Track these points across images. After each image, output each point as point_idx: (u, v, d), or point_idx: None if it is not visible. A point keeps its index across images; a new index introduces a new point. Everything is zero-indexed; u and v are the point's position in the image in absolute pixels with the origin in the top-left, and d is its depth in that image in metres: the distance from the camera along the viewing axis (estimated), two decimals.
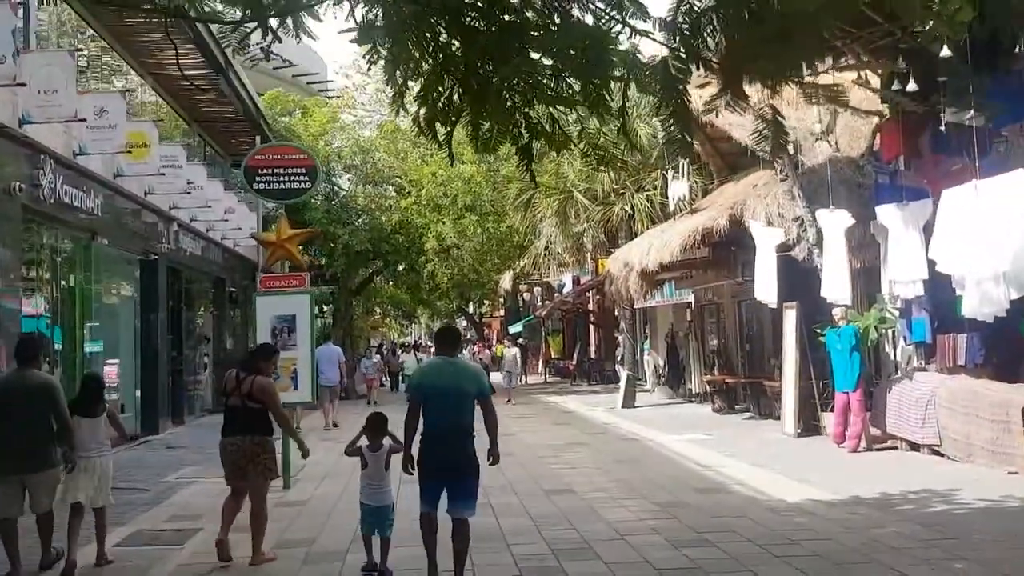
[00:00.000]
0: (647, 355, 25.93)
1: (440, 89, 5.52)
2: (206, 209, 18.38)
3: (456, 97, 5.60)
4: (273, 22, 5.17)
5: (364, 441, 6.66)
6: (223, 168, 22.67)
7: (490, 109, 5.39)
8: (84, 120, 11.70)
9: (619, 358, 28.38)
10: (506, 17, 5.35)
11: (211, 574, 6.71)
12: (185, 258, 18.58)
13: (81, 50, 14.32)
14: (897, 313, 12.16)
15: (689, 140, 5.77)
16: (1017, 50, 9.21)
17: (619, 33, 5.25)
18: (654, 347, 25.96)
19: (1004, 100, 9.98)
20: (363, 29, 5.07)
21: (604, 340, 32.52)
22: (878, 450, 11.72)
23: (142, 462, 12.58)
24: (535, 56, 5.29)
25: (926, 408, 10.80)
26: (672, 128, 5.55)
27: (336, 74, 54.14)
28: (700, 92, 7.31)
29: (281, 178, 10.95)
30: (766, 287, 13.95)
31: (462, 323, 47.22)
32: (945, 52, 9.09)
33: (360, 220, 27.83)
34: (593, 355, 33.77)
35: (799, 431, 13.45)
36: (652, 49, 5.63)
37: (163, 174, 15.08)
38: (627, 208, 23.72)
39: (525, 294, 44.46)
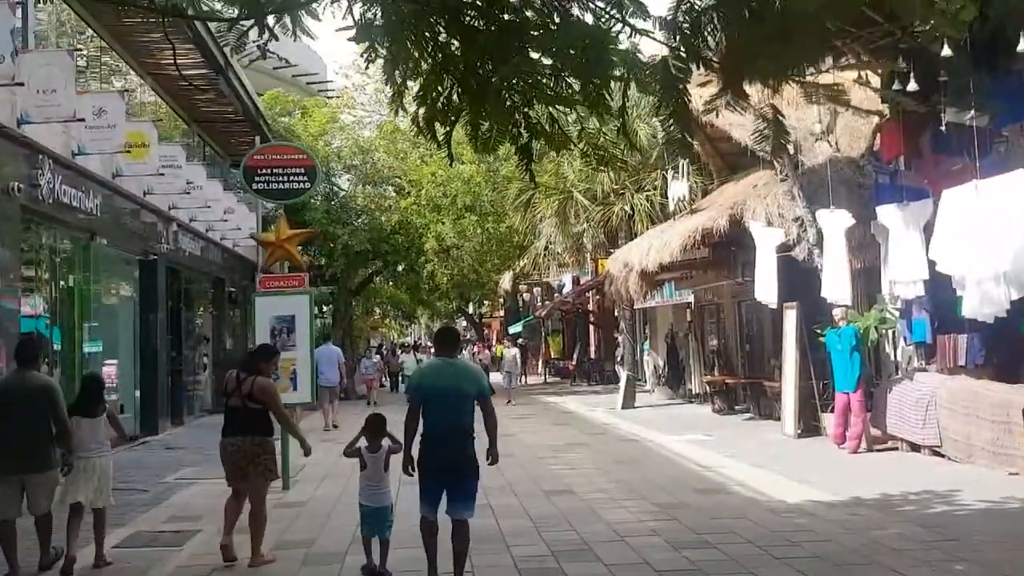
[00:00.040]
0: (647, 355, 25.91)
1: (439, 89, 5.51)
2: (205, 209, 18.37)
3: (455, 97, 5.58)
4: (270, 20, 5.15)
5: (363, 442, 6.64)
6: (222, 168, 22.66)
7: (489, 109, 5.37)
8: (83, 120, 11.68)
9: (619, 358, 28.37)
10: (505, 16, 5.33)
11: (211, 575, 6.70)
12: (184, 258, 18.57)
13: (80, 50, 14.29)
14: (897, 313, 12.15)
15: (689, 140, 5.76)
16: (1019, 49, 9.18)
17: (619, 32, 5.24)
18: (654, 347, 25.94)
19: (1005, 100, 9.96)
20: (361, 27, 5.06)
21: (604, 340, 32.51)
22: (878, 451, 11.70)
23: (141, 463, 12.56)
24: (535, 56, 5.27)
25: (926, 409, 10.78)
26: (672, 128, 5.54)
27: (336, 74, 54.06)
28: (700, 92, 7.29)
29: (280, 178, 10.93)
30: (766, 287, 13.93)
31: (462, 323, 47.23)
32: (946, 51, 9.07)
33: (360, 220, 27.82)
34: (593, 355, 33.75)
35: (799, 432, 13.44)
36: (652, 48, 5.62)
37: (162, 174, 15.07)
38: (627, 208, 23.69)
39: (525, 294, 44.44)
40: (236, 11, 5.22)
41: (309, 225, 22.43)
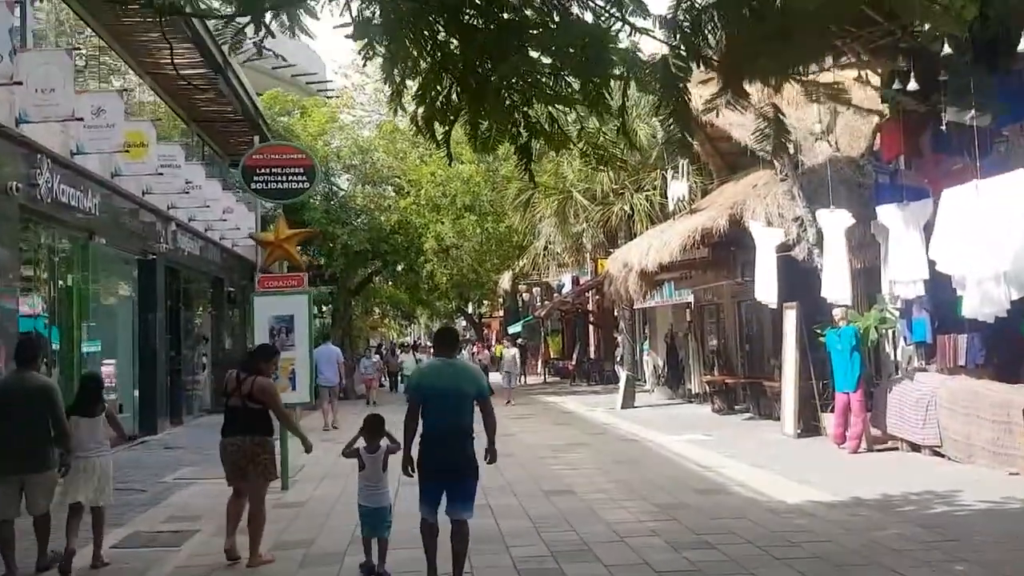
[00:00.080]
0: (646, 355, 25.89)
1: (438, 88, 5.49)
2: (204, 209, 18.36)
3: (454, 96, 5.56)
4: (268, 17, 5.12)
5: (361, 442, 6.63)
6: (221, 168, 22.65)
7: (489, 108, 5.35)
8: (81, 119, 11.66)
9: (618, 358, 28.35)
10: (505, 15, 5.31)
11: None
12: (183, 258, 18.55)
13: (79, 49, 14.26)
14: (897, 313, 12.13)
15: (689, 140, 5.74)
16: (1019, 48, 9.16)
17: (619, 31, 5.22)
18: (653, 347, 25.92)
19: (1005, 100, 9.95)
20: (359, 24, 5.03)
21: (603, 340, 32.49)
22: (878, 451, 11.68)
23: (140, 463, 12.54)
24: (534, 54, 5.25)
25: (927, 409, 10.77)
26: (672, 127, 5.52)
27: (335, 74, 54.08)
28: (700, 91, 7.27)
29: (279, 178, 10.91)
30: (766, 287, 13.92)
31: (461, 323, 47.24)
32: (946, 50, 9.06)
33: (359, 220, 27.83)
34: (592, 355, 33.72)
35: (799, 432, 13.42)
36: (652, 47, 5.60)
37: (161, 174, 15.05)
38: (626, 208, 23.67)
39: (524, 294, 44.43)
40: (233, 8, 5.20)
41: (308, 225, 22.44)
